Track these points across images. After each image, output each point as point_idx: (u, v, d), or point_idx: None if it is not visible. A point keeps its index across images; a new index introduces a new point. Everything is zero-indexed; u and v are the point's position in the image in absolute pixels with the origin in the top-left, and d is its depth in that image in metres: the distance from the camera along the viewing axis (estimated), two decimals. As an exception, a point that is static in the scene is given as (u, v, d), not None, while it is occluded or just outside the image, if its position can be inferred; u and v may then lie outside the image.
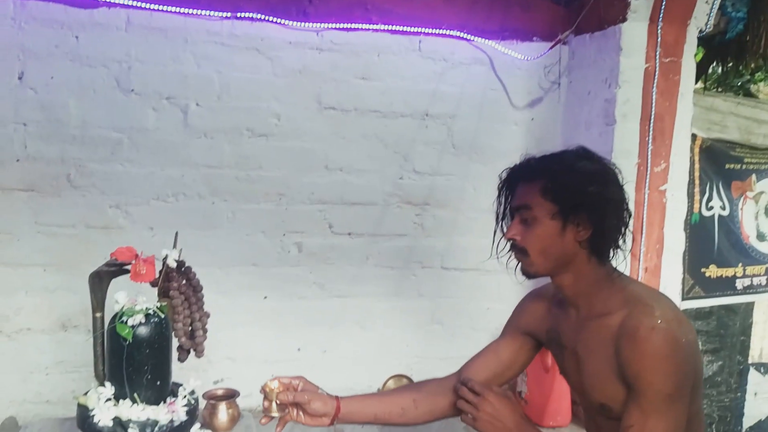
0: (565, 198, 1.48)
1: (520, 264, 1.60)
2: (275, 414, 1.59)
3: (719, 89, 4.63)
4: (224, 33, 2.91)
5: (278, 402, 1.57)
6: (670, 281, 3.07)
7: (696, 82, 3.14)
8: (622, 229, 1.54)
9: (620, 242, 1.56)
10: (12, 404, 2.89)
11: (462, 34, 3.14)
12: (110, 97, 2.84)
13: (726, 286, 3.55)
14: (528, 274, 1.59)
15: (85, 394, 1.69)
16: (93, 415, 1.63)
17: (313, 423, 1.66)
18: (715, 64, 3.61)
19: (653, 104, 2.87)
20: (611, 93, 2.90)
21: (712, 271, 3.48)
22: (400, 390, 1.82)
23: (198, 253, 2.88)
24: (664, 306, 1.45)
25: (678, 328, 1.40)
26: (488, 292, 3.33)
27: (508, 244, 1.62)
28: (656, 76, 2.86)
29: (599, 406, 1.53)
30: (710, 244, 3.47)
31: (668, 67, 2.89)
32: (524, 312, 1.81)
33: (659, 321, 1.39)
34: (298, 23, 2.95)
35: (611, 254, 1.57)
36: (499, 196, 1.66)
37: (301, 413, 1.64)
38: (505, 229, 1.62)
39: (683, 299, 3.31)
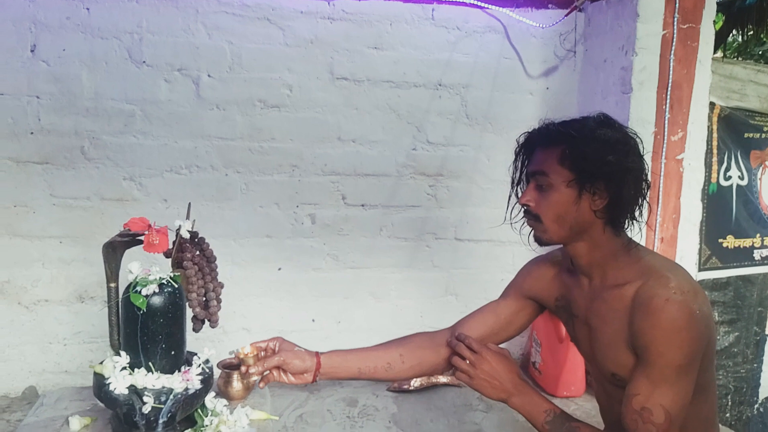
0: (583, 166, 1.44)
1: (533, 231, 1.58)
2: (255, 378, 1.57)
3: (739, 58, 4.55)
4: (235, 3, 2.89)
5: (255, 370, 1.54)
6: (687, 252, 3.05)
7: (715, 51, 3.08)
8: (640, 200, 1.51)
9: (637, 213, 1.52)
10: (32, 374, 2.94)
11: (476, 2, 3.09)
12: (122, 68, 2.84)
13: (743, 256, 3.51)
14: (540, 241, 1.57)
15: (101, 363, 1.71)
16: (109, 384, 1.64)
17: (297, 381, 1.62)
18: (735, 32, 3.53)
19: (671, 72, 2.83)
20: (628, 60, 2.86)
21: (730, 242, 3.45)
22: (385, 344, 1.76)
23: (212, 224, 2.91)
24: (680, 277, 1.42)
25: (693, 300, 1.37)
26: (502, 262, 3.32)
27: (522, 211, 1.59)
28: (674, 43, 2.81)
29: (610, 375, 1.52)
30: (728, 215, 3.43)
31: (686, 33, 2.83)
32: (530, 276, 1.78)
33: (674, 293, 1.36)
34: (310, -8, 2.93)
35: (627, 225, 1.54)
36: (515, 160, 1.62)
37: (282, 374, 1.61)
38: (520, 195, 1.59)
39: (700, 270, 3.28)
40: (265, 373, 1.58)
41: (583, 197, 1.46)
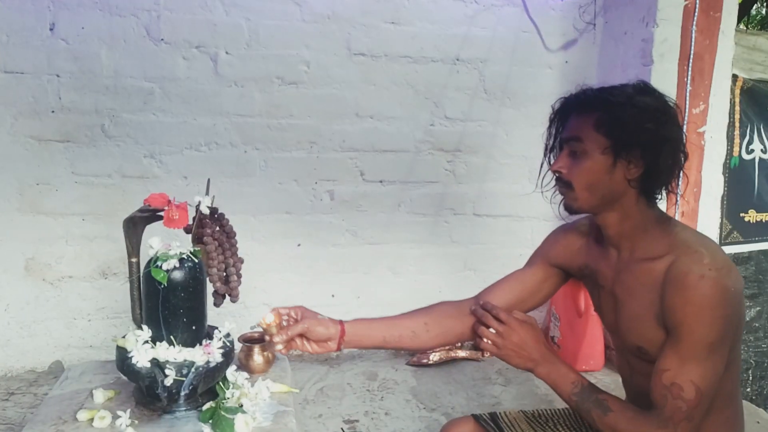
0: (620, 133, 1.39)
1: (563, 199, 1.55)
2: (280, 347, 1.53)
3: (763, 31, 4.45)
4: (252, -21, 2.88)
5: (279, 339, 1.51)
6: (708, 226, 3.02)
7: (738, 23, 3.01)
8: (676, 171, 1.47)
9: (672, 185, 1.49)
10: (57, 349, 3.00)
11: (494, -25, 3.06)
12: (141, 46, 2.86)
13: (765, 230, 3.47)
14: (571, 209, 1.52)
15: (124, 336, 1.73)
16: (131, 357, 1.66)
17: (320, 350, 1.59)
18: (758, 4, 3.46)
19: (692, 43, 2.78)
20: (649, 32, 2.82)
21: (752, 216, 3.41)
22: (410, 313, 1.73)
23: (232, 201, 2.91)
24: (714, 253, 1.38)
25: (727, 277, 1.34)
26: (521, 237, 3.32)
27: (554, 178, 1.55)
28: (696, 13, 2.76)
29: (636, 348, 1.50)
30: (750, 188, 3.39)
31: (709, 3, 2.78)
32: (557, 244, 1.74)
33: (709, 269, 1.33)
34: (326, -33, 2.91)
35: (660, 196, 1.50)
36: (549, 126, 1.58)
37: (305, 342, 1.58)
38: (552, 162, 1.56)
39: (721, 244, 3.25)
40: (282, 347, 1.56)
41: (618, 165, 1.42)
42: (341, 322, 1.61)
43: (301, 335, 1.56)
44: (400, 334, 1.67)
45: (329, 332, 1.58)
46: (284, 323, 1.58)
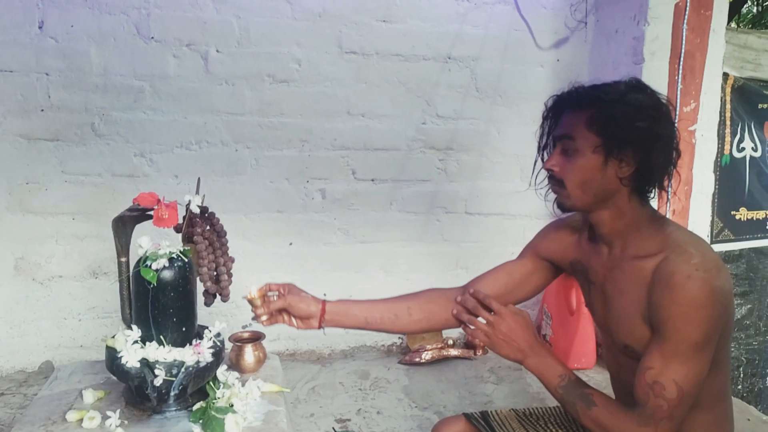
0: (611, 131, 1.39)
1: (556, 196, 1.55)
2: (264, 318, 1.64)
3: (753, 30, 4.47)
4: (242, -24, 2.87)
5: (261, 311, 1.62)
6: (699, 224, 3.03)
7: (729, 21, 3.02)
8: (668, 169, 1.47)
9: (665, 183, 1.48)
10: (48, 349, 2.99)
11: (485, -27, 3.06)
12: (130, 44, 2.84)
13: (756, 228, 3.49)
14: (563, 207, 1.52)
15: (113, 336, 1.72)
16: (121, 357, 1.65)
17: (304, 326, 1.67)
18: (749, 2, 3.47)
19: (683, 41, 2.79)
20: (640, 30, 2.82)
21: (743, 214, 3.42)
22: (394, 297, 1.75)
23: (223, 199, 2.92)
24: (704, 253, 1.37)
25: (715, 278, 1.33)
26: (512, 236, 3.31)
27: (547, 176, 1.54)
28: (687, 12, 2.76)
29: (623, 346, 1.50)
30: (741, 186, 3.40)
31: (700, 1, 2.79)
32: (548, 238, 1.74)
33: (696, 269, 1.32)
34: (317, -36, 2.90)
35: (653, 194, 1.50)
36: (542, 124, 1.58)
37: (292, 318, 1.66)
38: (545, 159, 1.55)
39: (712, 242, 3.27)
40: (266, 318, 1.64)
41: (610, 163, 1.41)
42: (323, 301, 1.67)
43: (286, 311, 1.64)
44: (382, 316, 1.71)
45: (310, 309, 1.65)
46: (273, 298, 1.66)
